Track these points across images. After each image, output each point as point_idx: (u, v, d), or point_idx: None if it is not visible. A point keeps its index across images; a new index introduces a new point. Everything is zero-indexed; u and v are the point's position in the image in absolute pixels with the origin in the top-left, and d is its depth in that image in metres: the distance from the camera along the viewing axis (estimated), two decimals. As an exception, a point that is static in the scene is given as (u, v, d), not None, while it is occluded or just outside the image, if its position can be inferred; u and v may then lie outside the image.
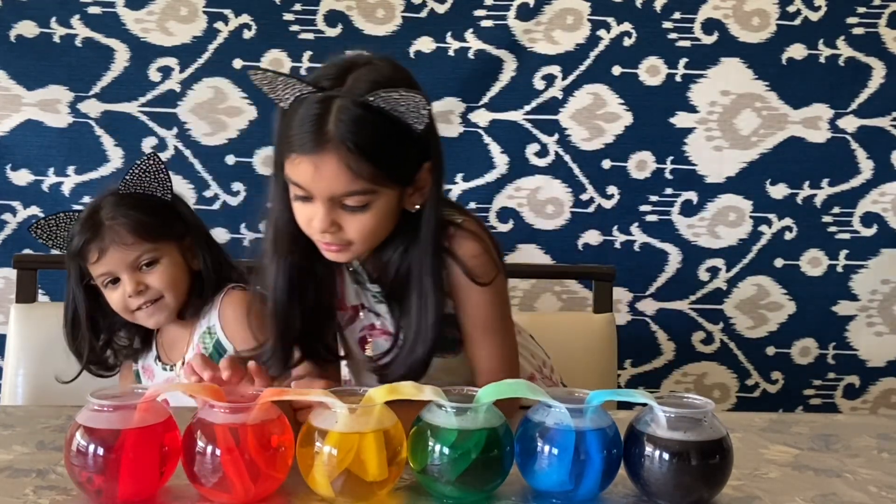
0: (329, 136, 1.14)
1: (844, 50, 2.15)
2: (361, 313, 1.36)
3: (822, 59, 2.15)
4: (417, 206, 1.25)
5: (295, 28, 2.07)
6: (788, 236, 2.20)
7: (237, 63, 2.06)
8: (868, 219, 2.21)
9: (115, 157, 2.06)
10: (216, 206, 2.08)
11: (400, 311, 1.29)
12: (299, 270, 1.28)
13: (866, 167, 2.19)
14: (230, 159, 2.08)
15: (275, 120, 1.23)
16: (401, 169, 1.21)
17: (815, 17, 2.14)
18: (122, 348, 1.58)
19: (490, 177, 2.14)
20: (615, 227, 2.17)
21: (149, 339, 1.58)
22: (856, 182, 2.20)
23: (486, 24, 2.10)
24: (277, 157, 1.22)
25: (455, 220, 1.31)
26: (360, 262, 1.32)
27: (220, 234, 2.01)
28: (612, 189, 2.16)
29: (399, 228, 1.26)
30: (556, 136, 2.14)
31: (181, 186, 2.07)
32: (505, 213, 2.16)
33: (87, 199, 2.06)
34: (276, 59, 2.06)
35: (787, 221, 2.20)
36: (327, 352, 1.36)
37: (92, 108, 2.04)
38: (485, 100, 2.11)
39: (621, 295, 2.18)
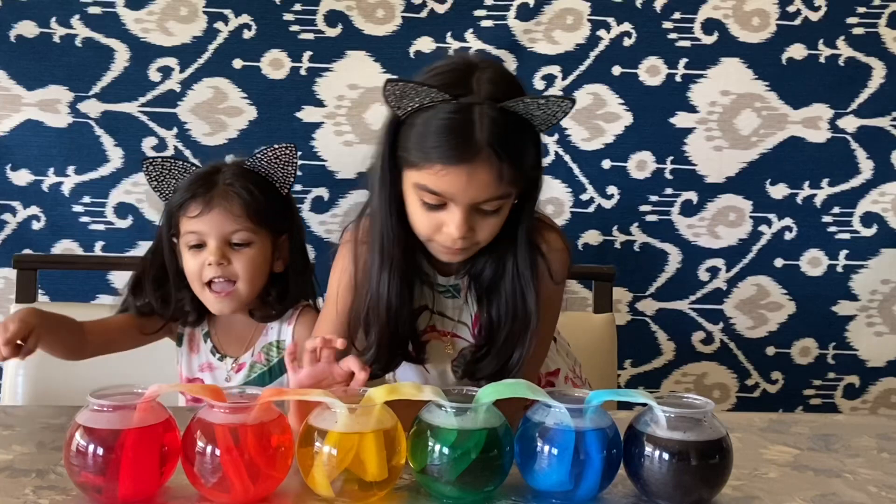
0: (479, 144, 1.17)
1: (844, 50, 2.15)
2: (422, 315, 1.37)
3: (822, 59, 2.15)
4: (515, 202, 1.28)
5: (295, 28, 2.07)
6: (788, 236, 2.20)
7: (237, 63, 2.06)
8: (868, 219, 2.21)
9: (115, 157, 2.06)
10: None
11: (489, 307, 1.33)
12: (406, 274, 1.31)
13: (866, 167, 2.19)
14: (230, 159, 2.07)
15: (385, 131, 1.25)
16: (532, 171, 1.25)
17: (815, 17, 2.14)
18: (176, 309, 1.51)
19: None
20: (615, 227, 2.17)
21: (202, 314, 1.53)
22: (856, 182, 2.20)
23: (486, 24, 2.10)
24: (395, 168, 1.24)
25: (541, 217, 1.36)
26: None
27: (220, 234, 2.00)
28: (612, 189, 2.15)
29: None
30: (556, 135, 2.14)
31: (181, 186, 2.07)
32: (505, 213, 2.15)
33: (87, 200, 2.06)
34: (276, 59, 2.06)
35: (787, 221, 2.20)
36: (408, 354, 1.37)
37: (92, 108, 2.04)
38: (485, 100, 2.11)
39: (621, 295, 2.18)
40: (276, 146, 1.47)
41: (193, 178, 1.46)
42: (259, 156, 1.47)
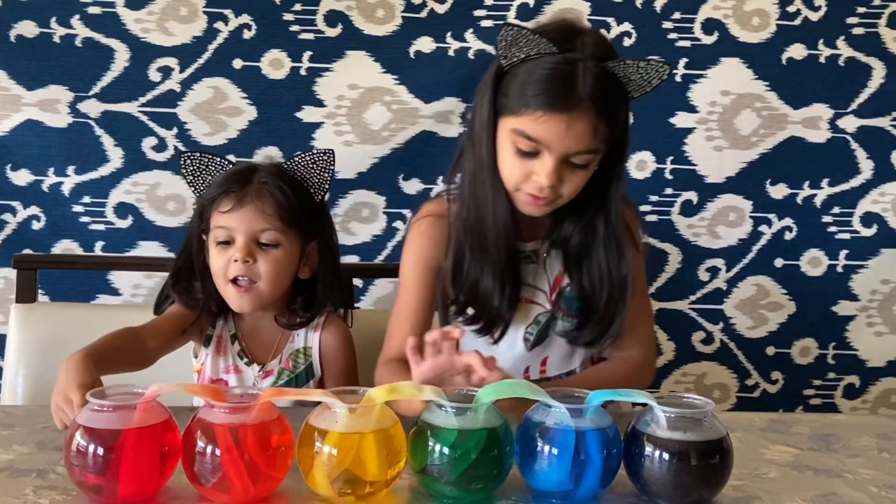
0: (581, 96, 1.24)
1: (844, 50, 2.15)
2: None
3: (822, 59, 2.15)
4: (594, 168, 1.34)
5: (295, 28, 2.07)
6: (788, 236, 2.20)
7: (237, 63, 2.06)
8: (868, 219, 2.21)
9: (115, 157, 2.06)
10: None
11: (580, 275, 1.39)
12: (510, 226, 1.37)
13: (866, 167, 2.19)
14: (230, 159, 2.07)
15: (488, 81, 1.33)
16: (620, 131, 1.32)
17: (815, 17, 2.14)
18: (201, 303, 1.50)
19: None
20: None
21: (225, 311, 1.52)
22: (856, 182, 2.20)
23: (486, 24, 2.10)
24: (497, 108, 1.31)
25: None
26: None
27: (220, 234, 2.01)
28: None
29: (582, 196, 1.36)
30: (556, 136, 2.14)
31: (181, 186, 2.07)
32: (505, 213, 2.15)
33: (87, 200, 2.06)
34: (276, 59, 2.07)
35: (787, 221, 2.20)
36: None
37: (92, 108, 2.04)
38: (485, 100, 2.11)
39: (621, 295, 2.18)
40: (315, 151, 1.46)
41: (228, 175, 1.46)
42: (297, 159, 1.46)
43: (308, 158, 1.46)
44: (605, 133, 1.27)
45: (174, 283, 1.51)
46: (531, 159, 1.30)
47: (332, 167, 1.46)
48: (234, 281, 1.44)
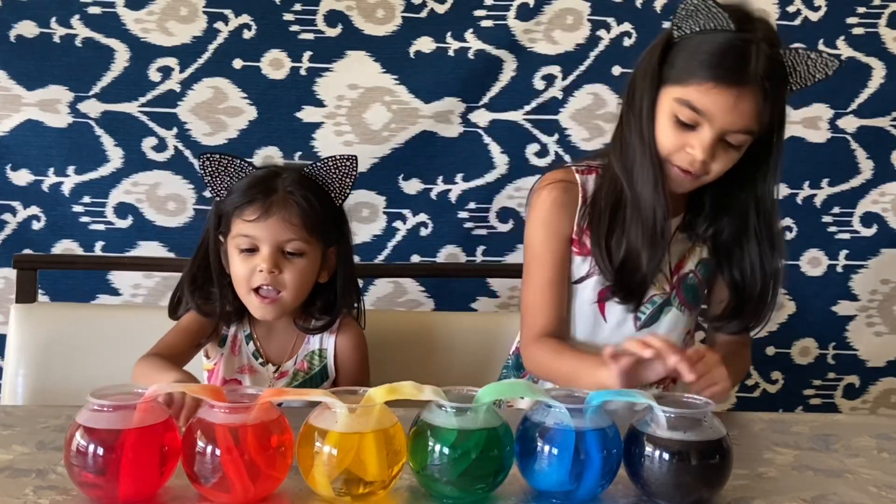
0: (753, 74, 1.26)
1: (844, 50, 2.15)
2: None
3: (822, 59, 2.15)
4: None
5: (295, 28, 2.07)
6: (788, 236, 2.20)
7: (237, 63, 2.06)
8: (868, 219, 2.21)
9: (115, 157, 2.06)
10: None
11: (730, 267, 1.41)
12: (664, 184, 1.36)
13: (866, 167, 2.19)
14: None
15: (654, 49, 1.34)
16: (778, 124, 1.35)
17: (815, 17, 2.14)
18: (220, 306, 1.48)
19: (490, 177, 2.14)
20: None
21: (242, 315, 1.50)
22: (856, 182, 2.20)
23: (486, 24, 2.10)
24: (661, 77, 1.32)
25: None
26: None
27: (220, 234, 2.01)
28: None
29: (733, 188, 1.38)
30: (557, 136, 2.14)
31: (181, 186, 2.07)
32: (505, 214, 2.15)
33: (87, 200, 2.06)
34: (276, 58, 2.07)
35: (787, 221, 2.20)
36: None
37: (92, 108, 2.04)
38: (485, 100, 2.11)
39: (621, 295, 2.18)
40: (338, 157, 1.44)
41: (252, 181, 1.43)
42: (319, 164, 1.44)
43: (331, 163, 1.44)
44: (767, 117, 1.29)
45: (192, 289, 1.49)
46: (689, 131, 1.31)
47: (354, 173, 1.45)
48: (257, 289, 1.43)
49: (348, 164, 1.44)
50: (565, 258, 1.44)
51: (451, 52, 2.09)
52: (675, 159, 1.33)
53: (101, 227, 2.07)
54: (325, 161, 1.44)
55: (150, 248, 2.09)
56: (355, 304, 1.58)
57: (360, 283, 1.70)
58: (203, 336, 1.50)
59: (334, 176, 1.45)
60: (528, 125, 2.13)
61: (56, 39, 2.02)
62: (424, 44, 2.09)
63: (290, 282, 1.42)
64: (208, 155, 1.43)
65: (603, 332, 1.45)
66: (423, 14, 2.09)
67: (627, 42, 2.12)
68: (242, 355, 1.52)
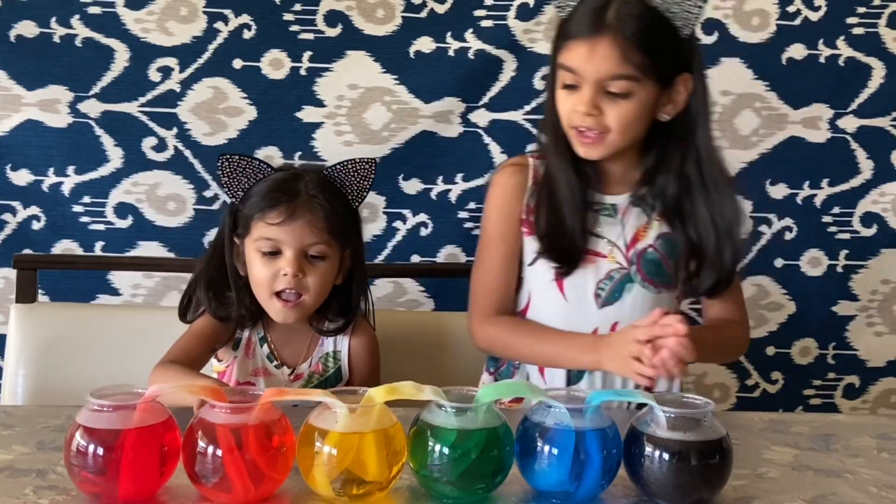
0: (606, 22, 1.32)
1: (844, 50, 2.15)
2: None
3: (822, 59, 2.15)
4: (667, 117, 1.40)
5: (295, 28, 2.07)
6: (788, 236, 2.20)
7: (237, 63, 2.06)
8: (868, 219, 2.21)
9: (115, 157, 2.06)
10: (216, 206, 2.08)
11: (685, 227, 1.43)
12: (574, 171, 1.43)
13: (866, 167, 2.19)
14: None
15: (554, 30, 1.42)
16: (664, 65, 1.36)
17: (815, 17, 2.14)
18: (231, 306, 1.47)
19: (490, 177, 2.14)
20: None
21: (257, 318, 1.49)
22: (856, 182, 2.20)
23: (486, 24, 2.09)
24: (553, 56, 1.41)
25: None
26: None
27: (220, 234, 2.01)
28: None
29: (668, 147, 1.42)
30: (556, 136, 2.13)
31: (181, 186, 2.07)
32: (505, 213, 2.15)
33: (87, 200, 2.06)
34: (276, 58, 2.06)
35: (787, 221, 2.20)
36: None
37: (92, 108, 2.04)
38: (485, 100, 2.11)
39: (621, 295, 2.18)
40: (357, 160, 1.44)
41: (274, 184, 1.41)
42: (338, 167, 1.44)
43: (350, 166, 1.44)
44: (639, 61, 1.33)
45: (209, 294, 1.47)
46: (574, 92, 1.37)
47: (372, 176, 1.45)
48: (279, 293, 1.42)
49: (367, 167, 1.45)
50: (517, 240, 1.48)
51: (451, 52, 2.09)
52: (573, 121, 1.38)
53: (101, 227, 2.07)
54: (345, 164, 1.44)
55: (150, 248, 2.08)
56: (366, 303, 1.58)
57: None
58: (219, 341, 1.49)
59: (353, 179, 1.45)
60: (528, 125, 2.12)
61: (56, 39, 2.02)
62: (424, 44, 2.09)
63: (313, 285, 1.42)
64: (227, 156, 1.42)
65: (563, 310, 1.47)
66: (423, 14, 2.09)
67: (627, 42, 2.12)
68: (257, 358, 1.51)
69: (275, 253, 1.41)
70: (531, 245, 1.48)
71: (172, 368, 1.38)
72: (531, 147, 1.59)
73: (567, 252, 1.44)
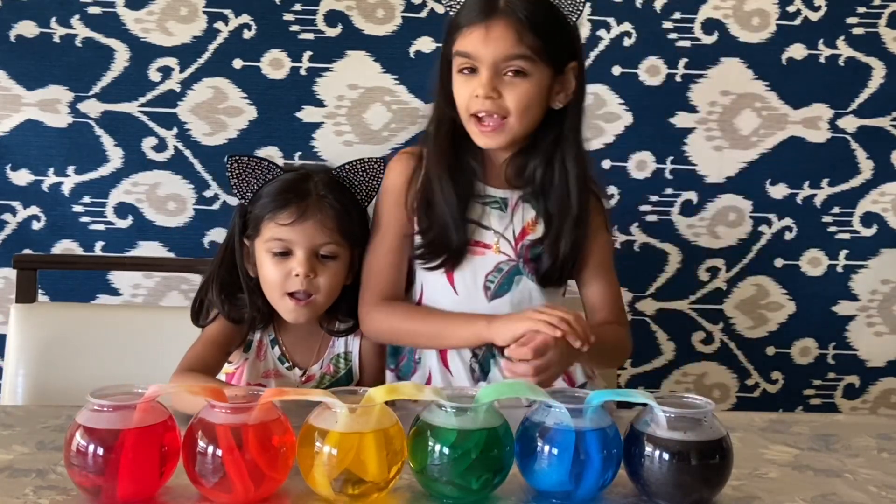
0: (500, 7, 1.38)
1: (844, 50, 2.15)
2: (469, 227, 1.47)
3: (822, 59, 2.15)
4: (560, 105, 1.44)
5: (295, 28, 2.07)
6: (788, 236, 2.20)
7: (237, 63, 2.06)
8: (868, 219, 2.21)
9: (115, 157, 2.06)
10: (216, 206, 2.08)
11: (546, 203, 1.46)
12: (456, 167, 1.46)
13: (866, 167, 2.19)
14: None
15: (444, 28, 1.47)
16: (555, 50, 1.40)
17: (815, 17, 2.14)
18: (244, 308, 1.47)
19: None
20: (615, 227, 2.17)
21: (269, 319, 1.49)
22: (856, 182, 2.20)
23: (486, 24, 2.09)
24: (445, 48, 1.45)
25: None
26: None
27: (220, 235, 2.00)
28: (611, 189, 2.15)
29: (543, 136, 1.45)
30: (556, 136, 2.13)
31: (181, 186, 2.07)
32: (505, 213, 2.15)
33: (87, 200, 2.06)
34: (276, 58, 2.07)
35: (787, 221, 2.20)
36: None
37: (92, 108, 2.04)
38: (485, 100, 2.11)
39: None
40: (366, 159, 1.46)
41: (285, 185, 1.42)
42: (347, 166, 1.45)
43: (359, 166, 1.45)
44: (532, 42, 1.37)
45: (221, 297, 1.46)
46: (472, 77, 1.40)
47: (381, 175, 1.46)
48: (291, 294, 1.42)
49: (376, 166, 1.46)
50: (407, 227, 1.49)
51: (451, 52, 2.09)
52: (472, 107, 1.40)
53: (101, 227, 2.07)
54: (353, 164, 1.45)
55: (150, 248, 2.09)
56: None
57: None
58: (232, 344, 1.49)
59: (362, 178, 1.46)
60: (528, 125, 2.12)
61: (56, 39, 2.02)
62: (424, 44, 2.10)
63: (325, 285, 1.42)
64: (236, 157, 1.43)
65: (454, 303, 1.48)
66: (423, 14, 2.09)
67: (628, 42, 2.12)
68: (268, 360, 1.51)
69: (286, 253, 1.41)
70: (418, 239, 1.49)
71: (190, 377, 1.37)
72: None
73: (445, 247, 1.45)
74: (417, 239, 1.48)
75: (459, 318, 1.45)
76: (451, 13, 1.44)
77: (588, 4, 1.43)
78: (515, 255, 1.48)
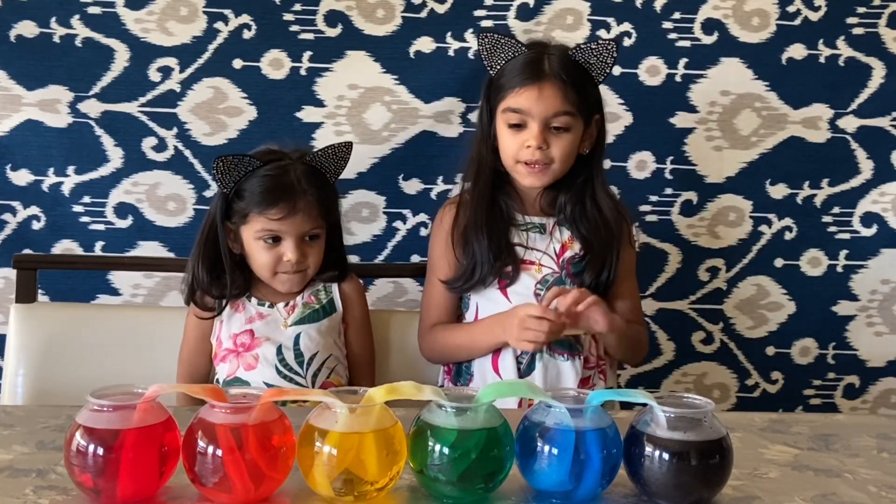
0: (547, 71, 1.63)
1: (844, 50, 2.15)
2: (516, 249, 1.70)
3: (822, 59, 2.15)
4: (586, 151, 1.69)
5: (295, 28, 2.07)
6: (788, 236, 2.20)
7: (237, 63, 2.06)
8: (868, 219, 2.21)
9: (115, 157, 2.06)
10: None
11: (580, 229, 1.69)
12: (496, 203, 1.71)
13: (866, 167, 2.19)
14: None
15: (483, 85, 1.71)
16: (588, 105, 1.66)
17: (815, 17, 2.14)
18: (224, 286, 1.63)
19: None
20: (615, 227, 2.17)
21: (247, 282, 1.66)
22: (856, 182, 2.20)
23: (486, 24, 2.09)
24: (491, 105, 1.68)
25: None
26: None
27: (220, 234, 2.00)
28: (611, 189, 2.15)
29: (572, 176, 1.69)
30: (556, 136, 2.14)
31: (181, 186, 2.07)
32: (505, 213, 2.15)
33: (87, 200, 2.06)
34: (276, 58, 2.06)
35: (787, 221, 2.20)
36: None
37: (92, 108, 2.04)
38: (485, 100, 2.11)
39: (621, 295, 2.18)
40: (336, 144, 1.66)
41: (270, 184, 1.58)
42: (319, 153, 1.64)
43: (330, 151, 1.64)
44: (575, 100, 1.63)
45: (210, 277, 1.63)
46: (522, 131, 1.64)
47: (348, 156, 1.66)
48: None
49: (345, 149, 1.66)
50: (453, 269, 1.72)
51: (451, 52, 2.09)
52: (521, 156, 1.64)
53: (101, 227, 2.07)
54: (325, 150, 1.65)
55: (150, 248, 2.08)
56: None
57: (361, 283, 1.80)
58: (210, 332, 1.67)
59: (332, 160, 1.65)
60: (528, 125, 2.12)
61: (56, 39, 2.02)
62: (424, 44, 2.10)
63: (313, 261, 1.63)
64: (222, 158, 1.58)
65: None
66: (423, 14, 2.09)
67: (627, 42, 2.12)
68: (248, 309, 1.65)
69: (276, 239, 1.60)
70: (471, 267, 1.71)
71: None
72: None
73: (497, 269, 1.68)
74: (465, 269, 1.69)
75: (481, 326, 1.68)
76: (492, 73, 1.67)
77: (614, 57, 1.66)
78: (558, 268, 1.70)
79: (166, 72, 2.05)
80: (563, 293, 1.57)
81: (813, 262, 2.22)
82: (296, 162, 1.62)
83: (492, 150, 1.69)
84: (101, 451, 0.98)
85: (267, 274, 1.62)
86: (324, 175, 1.64)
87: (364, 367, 1.71)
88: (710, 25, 2.13)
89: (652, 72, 2.14)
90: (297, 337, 1.62)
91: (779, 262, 2.22)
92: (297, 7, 2.06)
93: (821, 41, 2.14)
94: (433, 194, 2.13)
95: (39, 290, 1.82)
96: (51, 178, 2.05)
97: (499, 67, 1.66)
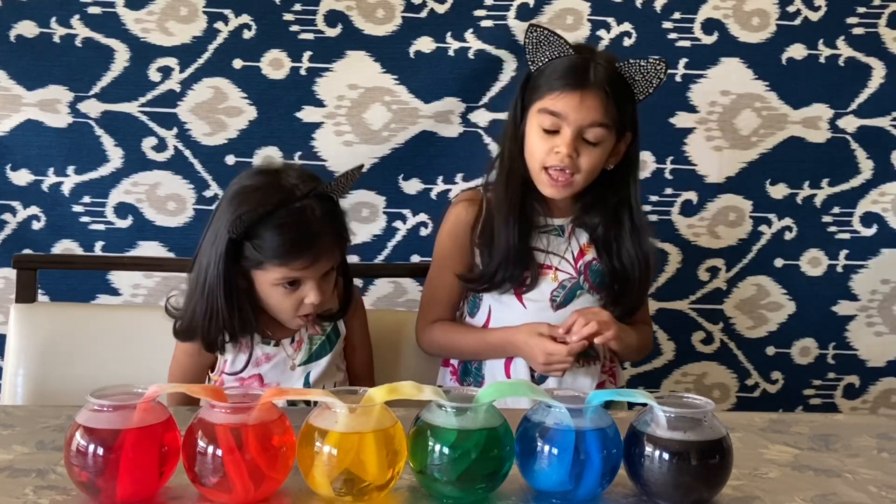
0: (592, 79, 1.55)
1: (844, 50, 2.15)
2: (536, 253, 1.65)
3: (822, 59, 2.15)
4: (611, 167, 1.62)
5: (295, 28, 2.07)
6: (788, 236, 2.20)
7: (237, 63, 2.06)
8: (868, 219, 2.21)
9: (115, 157, 2.06)
10: (216, 206, 2.08)
11: (609, 256, 1.65)
12: (523, 209, 1.64)
13: (866, 167, 2.19)
14: (230, 159, 2.08)
15: (519, 82, 1.65)
16: (624, 120, 1.59)
17: (815, 17, 2.14)
18: (233, 329, 1.49)
19: (490, 176, 2.14)
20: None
21: (249, 321, 1.51)
22: (856, 182, 2.20)
23: (486, 24, 2.09)
24: (525, 102, 1.61)
25: None
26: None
27: (220, 234, 2.00)
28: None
29: (603, 190, 1.64)
30: (556, 136, 2.13)
31: (181, 186, 2.07)
32: (505, 213, 2.15)
33: (87, 200, 2.06)
34: (276, 58, 2.06)
35: (787, 221, 2.20)
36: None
37: (92, 108, 2.04)
38: (485, 100, 2.11)
39: (621, 295, 2.18)
40: (352, 169, 1.48)
41: (290, 236, 1.42)
42: (336, 184, 1.48)
43: (344, 180, 1.48)
44: (614, 114, 1.56)
45: (214, 325, 1.47)
46: (554, 136, 1.56)
47: (357, 178, 1.51)
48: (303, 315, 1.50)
49: (356, 174, 1.50)
50: (462, 265, 1.68)
51: (451, 52, 2.09)
52: (548, 161, 1.57)
53: (101, 227, 2.07)
54: (340, 178, 1.48)
55: (150, 248, 2.09)
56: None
57: (360, 283, 1.79)
58: (208, 364, 1.57)
59: (344, 188, 1.51)
60: (528, 125, 2.12)
61: (56, 39, 2.02)
62: (424, 44, 2.09)
63: (330, 294, 1.53)
64: (239, 216, 1.41)
65: (523, 317, 1.64)
66: (423, 14, 2.09)
67: (627, 42, 2.12)
68: (254, 350, 1.54)
69: (294, 282, 1.47)
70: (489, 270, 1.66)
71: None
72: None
73: (517, 274, 1.63)
74: (487, 270, 1.64)
75: (494, 338, 1.65)
76: (533, 69, 1.59)
77: (660, 78, 1.59)
78: (575, 273, 1.66)
79: (166, 72, 2.05)
80: (583, 316, 1.55)
81: (813, 262, 2.22)
82: (309, 198, 1.44)
83: (519, 151, 1.62)
84: (100, 451, 0.98)
85: (287, 317, 1.51)
86: (335, 202, 1.50)
87: (363, 369, 1.70)
88: (710, 25, 2.13)
89: (652, 72, 2.13)
90: (307, 376, 1.55)
91: (779, 262, 2.22)
92: (297, 7, 2.06)
93: (821, 41, 2.14)
94: (433, 194, 2.13)
95: (39, 290, 1.82)
96: (51, 178, 2.05)
97: (541, 65, 1.59)
